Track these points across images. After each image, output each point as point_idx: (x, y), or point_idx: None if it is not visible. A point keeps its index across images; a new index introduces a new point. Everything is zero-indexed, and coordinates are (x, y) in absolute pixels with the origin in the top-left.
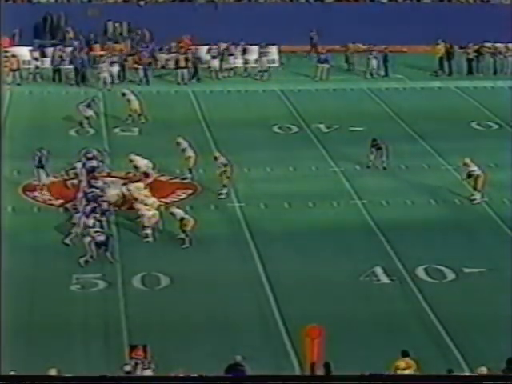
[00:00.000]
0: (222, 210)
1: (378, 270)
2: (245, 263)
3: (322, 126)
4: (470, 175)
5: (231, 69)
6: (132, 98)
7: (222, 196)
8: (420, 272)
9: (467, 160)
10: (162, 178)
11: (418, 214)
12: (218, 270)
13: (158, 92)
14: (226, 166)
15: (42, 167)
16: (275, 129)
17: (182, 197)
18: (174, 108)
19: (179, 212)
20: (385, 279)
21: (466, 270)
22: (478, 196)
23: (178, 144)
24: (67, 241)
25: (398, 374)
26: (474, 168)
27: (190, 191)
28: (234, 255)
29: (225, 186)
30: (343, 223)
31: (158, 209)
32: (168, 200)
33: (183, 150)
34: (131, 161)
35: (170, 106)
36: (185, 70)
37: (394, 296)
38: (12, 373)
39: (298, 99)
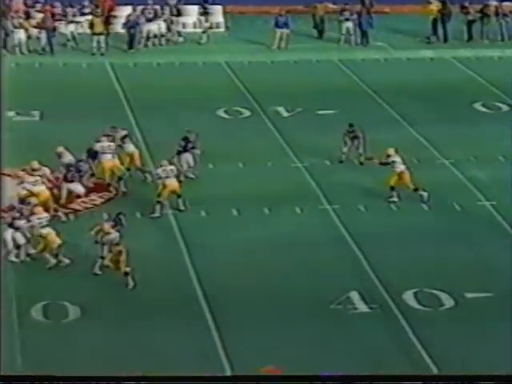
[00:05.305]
0: (150, 218)
1: (354, 296)
2: (179, 285)
3: (281, 109)
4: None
5: (162, 35)
6: None
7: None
8: (408, 297)
9: (391, 151)
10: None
11: (405, 221)
12: (145, 292)
13: (65, 64)
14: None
15: None
16: (220, 113)
17: (96, 202)
18: (86, 85)
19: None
20: (363, 307)
21: (468, 295)
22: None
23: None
24: None
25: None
26: (396, 159)
27: (108, 195)
28: (168, 274)
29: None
30: (308, 235)
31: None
32: (78, 206)
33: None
34: (60, 156)
35: (82, 82)
36: (101, 37)
37: (376, 329)
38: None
39: (250, 74)
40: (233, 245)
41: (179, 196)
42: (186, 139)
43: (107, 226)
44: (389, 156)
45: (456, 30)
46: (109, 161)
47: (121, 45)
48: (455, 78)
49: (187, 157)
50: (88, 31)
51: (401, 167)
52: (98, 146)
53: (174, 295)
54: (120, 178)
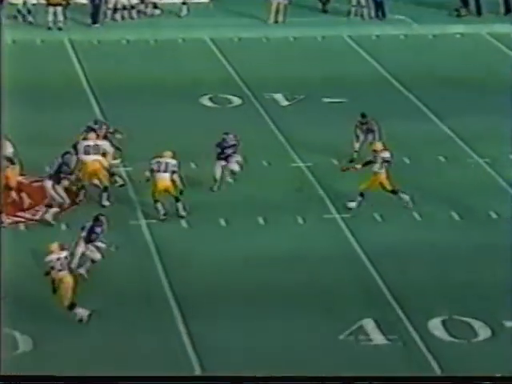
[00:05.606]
0: (120, 229)
1: (369, 324)
2: (152, 309)
3: (278, 97)
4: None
5: (132, 6)
6: None
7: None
8: (435, 326)
9: (378, 146)
10: (22, 179)
11: (430, 233)
12: (116, 314)
13: (14, 42)
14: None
15: None
16: (204, 101)
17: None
18: (40, 66)
19: None
20: (379, 338)
21: (508, 324)
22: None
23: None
24: None
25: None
26: (385, 155)
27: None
28: (139, 295)
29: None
30: (312, 250)
31: None
32: (29, 214)
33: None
34: None
35: (35, 62)
36: (59, 8)
37: (395, 364)
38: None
39: (241, 54)
40: (219, 262)
41: (177, 199)
42: (222, 144)
43: (53, 245)
44: (376, 152)
45: (491, 0)
46: (93, 163)
47: (82, 18)
48: (490, 59)
49: (221, 164)
50: (43, 1)
51: (376, 166)
52: (82, 145)
53: (146, 317)
54: (106, 188)
